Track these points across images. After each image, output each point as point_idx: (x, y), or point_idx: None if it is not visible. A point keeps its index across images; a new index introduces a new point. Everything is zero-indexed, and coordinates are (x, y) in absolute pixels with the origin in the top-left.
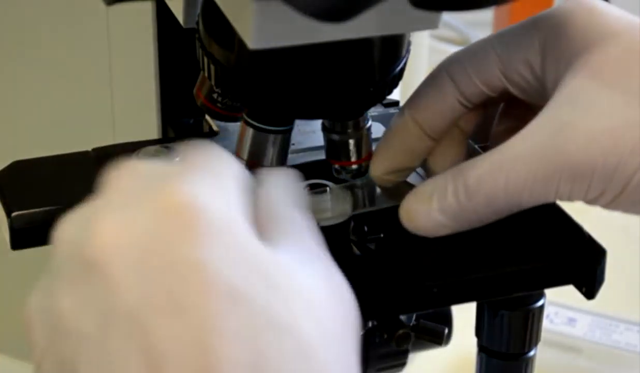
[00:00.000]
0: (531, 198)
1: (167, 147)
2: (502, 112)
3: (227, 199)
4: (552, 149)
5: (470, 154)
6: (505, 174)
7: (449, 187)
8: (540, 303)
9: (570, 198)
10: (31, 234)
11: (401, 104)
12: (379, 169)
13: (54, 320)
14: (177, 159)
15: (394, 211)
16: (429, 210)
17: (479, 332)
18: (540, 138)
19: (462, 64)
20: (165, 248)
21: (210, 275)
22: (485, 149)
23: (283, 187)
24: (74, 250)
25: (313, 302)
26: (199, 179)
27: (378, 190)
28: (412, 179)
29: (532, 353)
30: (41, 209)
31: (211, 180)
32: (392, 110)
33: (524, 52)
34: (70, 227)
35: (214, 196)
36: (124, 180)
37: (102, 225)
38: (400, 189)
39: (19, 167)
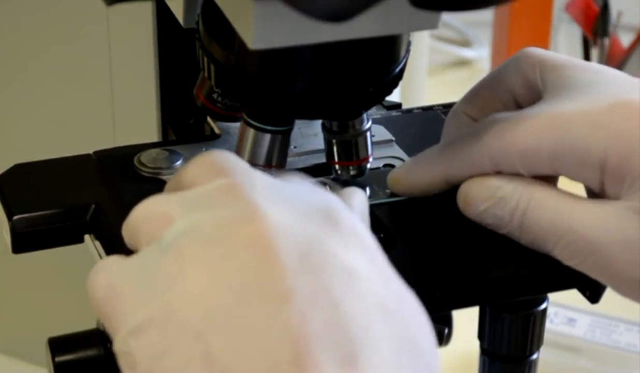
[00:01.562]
0: (568, 262)
1: (168, 150)
2: None
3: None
4: (613, 236)
5: None
6: (560, 237)
7: (510, 205)
8: (542, 306)
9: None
10: (32, 238)
11: (404, 106)
12: None
13: (171, 288)
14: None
15: (393, 208)
16: (484, 209)
17: (481, 335)
18: (607, 224)
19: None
20: (327, 248)
21: (364, 283)
22: None
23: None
24: (225, 223)
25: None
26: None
27: (369, 191)
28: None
29: (534, 356)
30: (43, 213)
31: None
32: (394, 112)
33: (582, 164)
34: (201, 205)
35: (364, 226)
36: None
37: (268, 209)
38: None
39: (20, 170)
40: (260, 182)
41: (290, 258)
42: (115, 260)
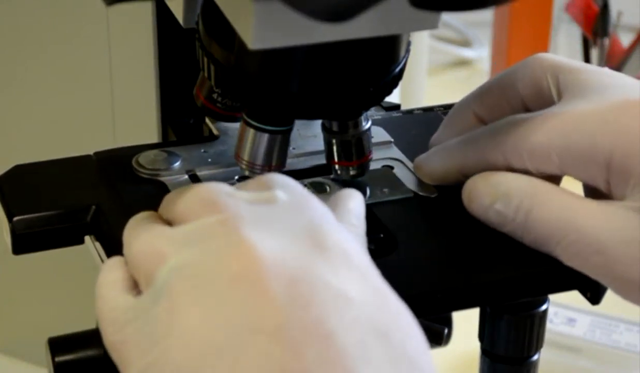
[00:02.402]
0: (570, 262)
1: (166, 152)
2: None
3: (362, 245)
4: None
5: None
6: (563, 235)
7: (514, 202)
8: (543, 307)
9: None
10: (33, 239)
11: (404, 106)
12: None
13: (165, 335)
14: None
15: (393, 208)
16: (489, 205)
17: (482, 336)
18: (610, 223)
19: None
20: (317, 276)
21: (357, 308)
22: None
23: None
24: (213, 260)
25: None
26: (341, 228)
27: (369, 191)
28: (405, 178)
29: (535, 357)
30: (43, 214)
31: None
32: (394, 113)
33: (589, 162)
34: (191, 238)
35: (354, 243)
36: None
37: (255, 242)
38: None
39: (21, 171)
40: (247, 215)
41: (280, 292)
42: (121, 295)
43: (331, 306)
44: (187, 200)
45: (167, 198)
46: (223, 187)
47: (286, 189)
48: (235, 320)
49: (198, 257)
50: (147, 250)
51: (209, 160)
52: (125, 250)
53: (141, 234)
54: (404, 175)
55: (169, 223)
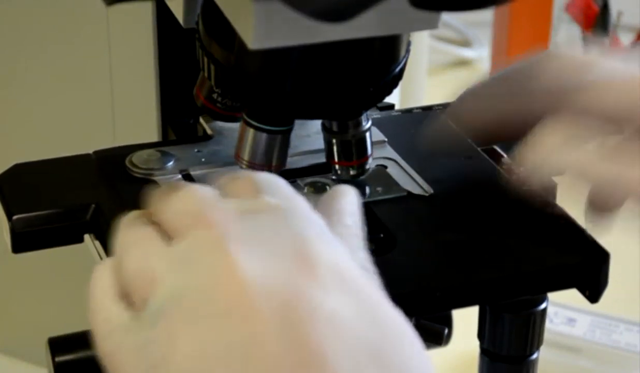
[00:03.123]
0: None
1: (160, 151)
2: None
3: (358, 245)
4: None
5: None
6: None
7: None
8: (542, 306)
9: None
10: (32, 237)
11: (404, 106)
12: None
13: (162, 365)
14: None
15: (392, 207)
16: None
17: (481, 335)
18: None
19: None
20: (308, 298)
21: (350, 328)
22: None
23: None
24: (206, 288)
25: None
26: (331, 238)
27: (369, 190)
28: (399, 178)
29: (534, 356)
30: (42, 212)
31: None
32: (393, 112)
33: None
34: (182, 261)
35: (344, 256)
36: (240, 221)
37: (245, 264)
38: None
39: (20, 170)
40: (235, 231)
41: (272, 317)
42: (114, 305)
43: (324, 329)
44: (175, 210)
45: (156, 200)
46: (211, 195)
47: (275, 193)
48: (230, 350)
49: (190, 283)
50: (141, 267)
51: (203, 160)
52: (116, 259)
53: (132, 247)
54: (398, 175)
55: (159, 225)
